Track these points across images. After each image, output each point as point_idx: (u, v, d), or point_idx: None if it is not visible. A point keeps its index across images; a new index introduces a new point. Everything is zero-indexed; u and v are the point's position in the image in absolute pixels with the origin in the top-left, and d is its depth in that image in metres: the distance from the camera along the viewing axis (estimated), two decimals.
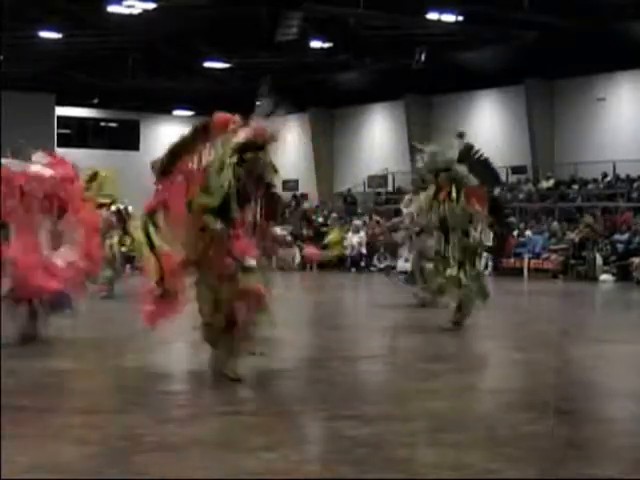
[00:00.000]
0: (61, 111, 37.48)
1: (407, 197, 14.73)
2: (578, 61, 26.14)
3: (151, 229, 6.99)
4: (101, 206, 13.16)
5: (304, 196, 37.32)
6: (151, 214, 7.06)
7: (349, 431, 5.58)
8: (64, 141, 36.13)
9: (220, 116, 7.07)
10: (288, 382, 7.60)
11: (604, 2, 23.71)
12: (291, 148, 39.08)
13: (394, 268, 16.07)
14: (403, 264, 14.99)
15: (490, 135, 31.39)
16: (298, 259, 27.79)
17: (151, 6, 23.94)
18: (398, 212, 18.75)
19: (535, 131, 29.73)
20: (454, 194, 10.79)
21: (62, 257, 9.12)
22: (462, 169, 10.93)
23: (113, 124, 39.90)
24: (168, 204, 6.98)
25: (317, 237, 28.44)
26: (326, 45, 28.19)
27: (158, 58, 29.64)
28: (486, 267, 24.37)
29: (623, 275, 21.85)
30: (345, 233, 27.91)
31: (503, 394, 7.17)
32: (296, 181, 38.44)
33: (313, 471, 4.85)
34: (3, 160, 9.35)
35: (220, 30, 26.49)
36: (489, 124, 31.68)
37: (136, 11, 24.25)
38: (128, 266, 18.61)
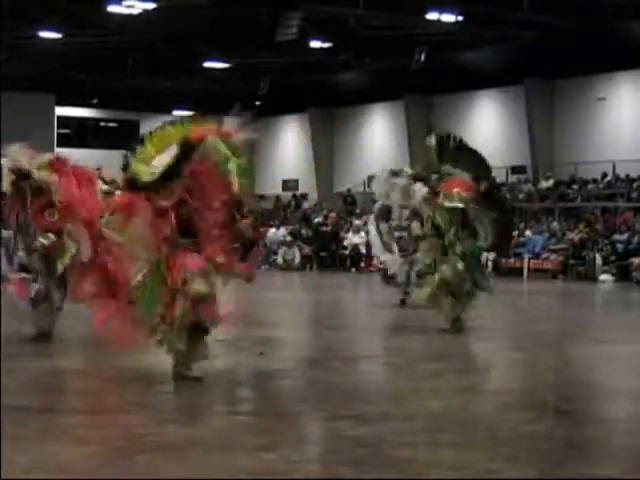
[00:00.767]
0: (61, 111, 37.48)
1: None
2: (578, 61, 26.13)
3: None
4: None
5: (304, 196, 37.33)
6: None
7: (349, 431, 5.58)
8: (64, 141, 36.12)
9: (196, 131, 7.10)
10: (288, 382, 7.60)
11: (604, 2, 23.70)
12: (291, 148, 39.14)
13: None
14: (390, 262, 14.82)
15: (490, 135, 31.40)
16: (298, 259, 27.84)
17: (151, 6, 23.93)
18: None
19: (535, 131, 29.72)
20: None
21: None
22: (446, 169, 10.88)
23: (113, 124, 39.89)
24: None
25: (316, 237, 28.48)
26: (326, 45, 28.18)
27: (158, 58, 29.63)
28: (486, 267, 24.42)
29: (623, 275, 21.85)
30: (345, 233, 27.94)
31: (503, 394, 7.17)
32: (296, 181, 38.47)
33: (313, 471, 4.85)
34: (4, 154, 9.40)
35: (220, 30, 26.48)
36: (489, 124, 31.67)
37: (136, 11, 24.24)
38: None
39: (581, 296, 19.22)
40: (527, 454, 5.16)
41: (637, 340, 10.85)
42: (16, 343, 9.00)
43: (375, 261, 15.27)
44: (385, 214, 14.71)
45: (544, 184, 28.75)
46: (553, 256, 23.64)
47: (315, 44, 28.01)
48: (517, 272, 23.81)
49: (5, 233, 9.50)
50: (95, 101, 37.75)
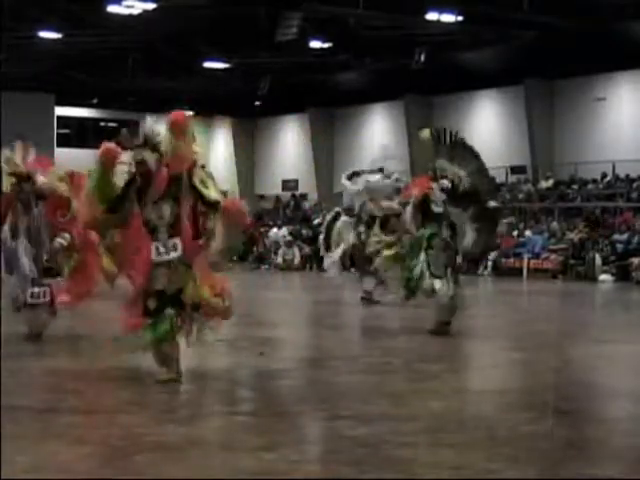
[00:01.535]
0: (60, 111, 37.48)
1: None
2: (578, 61, 26.14)
3: None
4: None
5: (303, 196, 37.34)
6: None
7: (349, 431, 5.58)
8: (63, 141, 36.15)
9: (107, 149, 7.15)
10: (288, 382, 7.60)
11: (604, 2, 23.70)
12: (291, 148, 39.15)
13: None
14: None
15: (490, 135, 31.41)
16: (298, 259, 27.84)
17: (151, 6, 23.94)
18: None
19: (535, 131, 29.72)
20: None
21: None
22: (441, 163, 10.78)
23: (113, 124, 39.89)
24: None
25: (316, 237, 28.47)
26: (326, 45, 28.18)
27: (158, 58, 29.63)
28: (485, 267, 24.45)
29: (622, 275, 21.85)
30: None
31: (503, 394, 7.17)
32: (296, 181, 38.48)
33: (313, 471, 4.85)
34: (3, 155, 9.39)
35: (220, 30, 26.48)
36: (489, 124, 31.68)
37: (136, 11, 24.25)
38: None
39: (581, 296, 19.21)
40: (527, 454, 5.16)
41: (637, 340, 10.86)
42: (16, 343, 9.00)
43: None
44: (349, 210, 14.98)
45: (544, 184, 28.76)
46: (553, 256, 23.64)
47: (315, 44, 28.01)
48: (517, 272, 23.82)
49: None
50: (95, 101, 37.77)
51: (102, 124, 39.70)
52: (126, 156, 7.19)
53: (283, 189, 38.97)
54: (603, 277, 22.11)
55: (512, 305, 16.51)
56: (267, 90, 33.13)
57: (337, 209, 16.17)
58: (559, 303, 17.67)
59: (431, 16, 24.70)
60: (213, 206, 7.14)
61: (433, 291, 10.25)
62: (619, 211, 25.34)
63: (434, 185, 10.51)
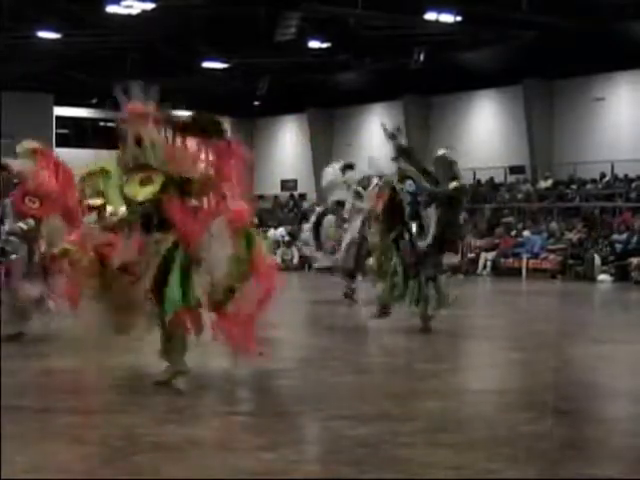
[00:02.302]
0: (59, 111, 37.47)
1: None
2: (577, 61, 26.14)
3: None
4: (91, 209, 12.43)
5: (302, 196, 37.33)
6: None
7: (348, 431, 5.58)
8: (62, 141, 36.08)
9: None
10: (287, 382, 7.60)
11: (604, 2, 23.71)
12: (290, 148, 39.15)
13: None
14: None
15: (489, 135, 31.45)
16: (296, 259, 27.82)
17: (150, 6, 23.94)
18: None
19: (534, 131, 29.73)
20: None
21: None
22: (402, 163, 10.83)
23: (112, 124, 39.81)
24: None
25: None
26: (325, 45, 28.19)
27: (157, 58, 29.61)
28: (484, 267, 24.46)
29: (621, 275, 21.85)
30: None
31: (502, 394, 7.18)
32: (295, 181, 38.48)
33: (312, 471, 4.85)
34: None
35: (219, 30, 26.48)
36: (488, 124, 31.69)
37: (135, 11, 24.25)
38: None
39: (580, 296, 19.21)
40: (526, 454, 5.16)
41: (636, 340, 10.86)
42: (16, 343, 9.00)
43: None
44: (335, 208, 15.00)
45: (543, 184, 28.77)
46: (552, 256, 23.64)
47: (314, 44, 28.02)
48: (516, 272, 23.82)
49: None
50: (94, 101, 37.74)
51: (101, 124, 39.65)
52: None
53: (282, 189, 38.97)
54: (602, 277, 22.10)
55: (511, 305, 16.51)
56: (266, 90, 33.14)
57: (320, 209, 16.14)
58: (558, 303, 17.67)
59: (430, 16, 24.71)
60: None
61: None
62: (618, 211, 25.34)
63: (400, 187, 10.57)
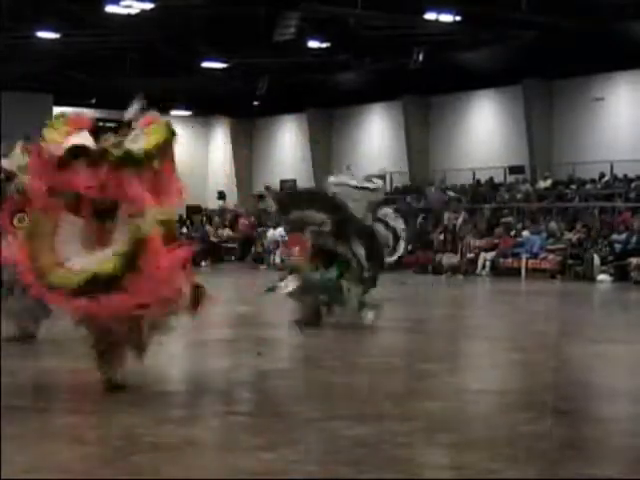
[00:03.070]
0: (59, 111, 37.44)
1: None
2: (577, 61, 26.13)
3: None
4: None
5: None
6: None
7: (347, 431, 5.58)
8: None
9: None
10: (286, 382, 7.60)
11: (603, 2, 23.70)
12: (289, 148, 39.14)
13: None
14: None
15: (488, 135, 31.44)
16: None
17: (149, 6, 23.93)
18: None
19: (533, 131, 29.72)
20: None
21: None
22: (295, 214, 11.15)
23: (111, 124, 39.83)
24: None
25: None
26: (324, 45, 28.16)
27: (156, 58, 29.61)
28: (484, 267, 24.46)
29: (621, 275, 21.85)
30: None
31: (501, 394, 7.18)
32: (294, 181, 38.42)
33: (311, 471, 4.85)
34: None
35: (218, 30, 26.48)
36: (487, 124, 31.69)
37: (134, 11, 24.24)
38: None
39: (579, 296, 19.21)
40: (526, 454, 5.16)
41: (635, 340, 10.86)
42: (16, 343, 9.00)
43: None
44: None
45: (542, 184, 28.76)
46: (551, 256, 23.64)
47: (313, 44, 28.00)
48: (515, 272, 23.81)
49: None
50: (93, 101, 37.74)
51: (100, 124, 39.59)
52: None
53: (281, 189, 38.92)
54: (601, 277, 22.10)
55: (511, 305, 16.51)
56: (266, 90, 33.12)
57: None
58: (557, 303, 17.67)
59: (429, 16, 24.69)
60: None
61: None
62: (617, 211, 25.34)
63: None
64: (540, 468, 4.90)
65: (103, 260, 6.40)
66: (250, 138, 40.85)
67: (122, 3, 23.67)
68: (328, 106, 36.41)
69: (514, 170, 30.09)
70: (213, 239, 31.51)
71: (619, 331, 11.91)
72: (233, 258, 31.53)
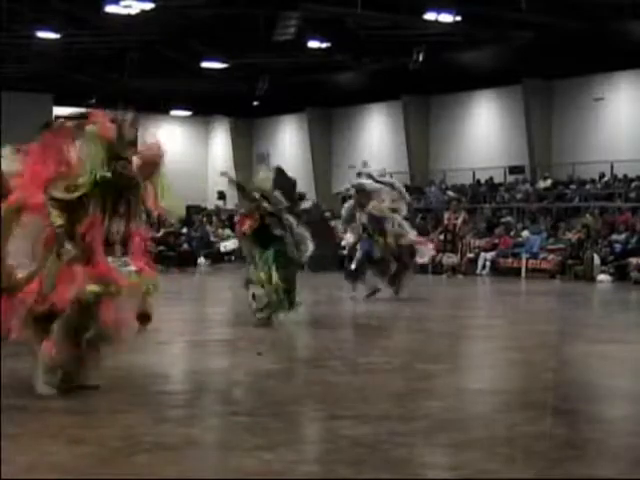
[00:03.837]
0: (59, 111, 37.44)
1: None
2: (576, 61, 26.13)
3: None
4: None
5: (302, 196, 37.33)
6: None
7: (347, 431, 5.58)
8: None
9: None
10: (285, 382, 7.60)
11: (603, 2, 23.71)
12: (289, 148, 39.13)
13: None
14: None
15: (488, 135, 31.44)
16: None
17: (149, 6, 23.94)
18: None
19: (533, 131, 29.72)
20: None
21: None
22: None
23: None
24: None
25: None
26: (324, 45, 28.17)
27: (156, 58, 29.62)
28: (484, 267, 24.45)
29: (620, 275, 21.84)
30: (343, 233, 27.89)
31: (501, 394, 7.18)
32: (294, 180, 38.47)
33: (311, 471, 4.86)
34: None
35: (218, 30, 26.49)
36: (487, 124, 31.69)
37: (134, 11, 24.24)
38: None
39: (579, 296, 19.20)
40: (525, 454, 5.16)
41: (635, 340, 10.86)
42: (16, 343, 8.99)
43: None
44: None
45: (542, 184, 28.77)
46: (551, 256, 23.64)
47: (313, 44, 28.00)
48: (515, 272, 23.81)
49: None
50: (93, 101, 37.73)
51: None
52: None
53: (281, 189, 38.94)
54: (601, 277, 22.10)
55: (510, 305, 16.51)
56: (265, 90, 33.12)
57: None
58: (557, 303, 17.66)
59: (429, 16, 24.69)
60: None
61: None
62: (617, 211, 25.34)
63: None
64: (539, 468, 4.90)
65: None
66: (250, 138, 40.86)
67: (122, 3, 23.67)
68: (328, 106, 36.42)
69: (514, 170, 30.09)
70: (213, 239, 31.49)
71: (619, 331, 11.90)
72: (233, 258, 31.52)
